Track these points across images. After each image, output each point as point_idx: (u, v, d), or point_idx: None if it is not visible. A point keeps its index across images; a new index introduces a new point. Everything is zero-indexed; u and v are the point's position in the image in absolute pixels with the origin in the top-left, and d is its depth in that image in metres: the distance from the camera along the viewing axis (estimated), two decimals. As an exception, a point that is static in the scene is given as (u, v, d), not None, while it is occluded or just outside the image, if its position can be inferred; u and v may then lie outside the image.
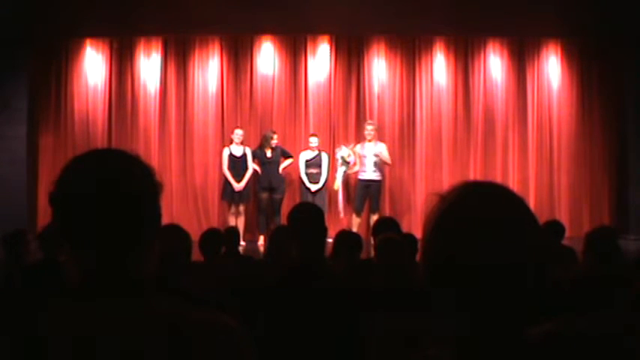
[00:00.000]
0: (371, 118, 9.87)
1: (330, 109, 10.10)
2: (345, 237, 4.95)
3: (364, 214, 9.21)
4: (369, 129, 9.19)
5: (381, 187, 9.37)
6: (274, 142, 9.16)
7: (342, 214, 9.20)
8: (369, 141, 9.14)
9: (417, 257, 3.76)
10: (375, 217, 8.76)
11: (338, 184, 9.13)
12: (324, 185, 9.18)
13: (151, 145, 9.77)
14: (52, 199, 1.19)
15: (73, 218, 1.16)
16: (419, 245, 1.14)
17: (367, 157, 9.08)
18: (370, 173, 9.10)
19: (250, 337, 1.16)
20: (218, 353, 1.11)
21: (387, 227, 4.29)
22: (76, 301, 1.14)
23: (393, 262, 3.45)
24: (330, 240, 5.05)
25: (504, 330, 1.02)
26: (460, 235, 1.04)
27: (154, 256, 1.19)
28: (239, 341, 1.14)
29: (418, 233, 4.23)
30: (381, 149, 9.16)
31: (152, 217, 1.19)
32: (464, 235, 1.04)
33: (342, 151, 9.03)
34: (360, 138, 9.57)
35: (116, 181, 1.15)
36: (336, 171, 9.19)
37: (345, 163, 9.02)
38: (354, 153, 9.08)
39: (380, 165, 9.18)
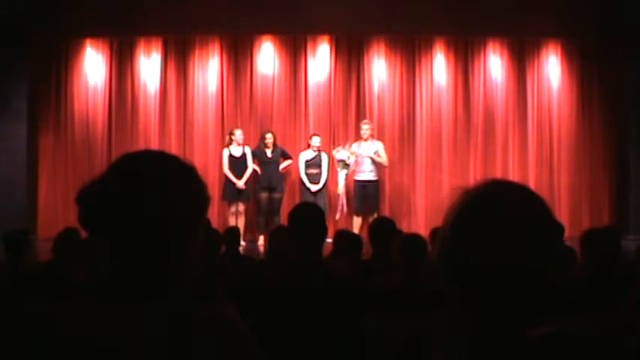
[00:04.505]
0: (371, 118, 9.87)
1: (330, 109, 10.10)
2: (345, 237, 4.95)
3: (364, 215, 9.21)
4: (364, 128, 9.21)
5: (379, 187, 9.38)
6: (269, 141, 9.16)
7: (338, 216, 9.18)
8: (365, 140, 9.15)
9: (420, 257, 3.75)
10: (373, 217, 8.76)
11: (341, 188, 9.12)
12: (324, 185, 9.17)
13: (151, 145, 9.75)
14: (84, 197, 1.18)
15: (100, 223, 1.16)
16: (437, 239, 1.12)
17: (364, 157, 9.08)
18: (367, 174, 9.11)
19: (253, 333, 1.16)
20: (224, 349, 1.11)
21: (384, 227, 4.28)
22: (80, 302, 1.14)
23: (416, 261, 3.45)
24: (329, 240, 5.05)
25: (515, 330, 1.02)
26: (478, 232, 1.03)
27: (186, 268, 1.19)
28: (245, 339, 1.14)
29: (418, 233, 4.22)
30: (378, 148, 9.18)
31: (183, 233, 1.18)
32: (481, 233, 1.03)
33: (342, 154, 9.00)
34: (359, 138, 9.58)
35: (148, 193, 1.15)
36: (336, 173, 9.18)
37: (346, 166, 9.01)
38: (353, 153, 9.05)
39: (377, 164, 9.19)
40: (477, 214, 1.05)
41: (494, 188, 1.09)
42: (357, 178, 9.13)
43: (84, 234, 1.23)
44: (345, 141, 9.47)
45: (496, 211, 1.04)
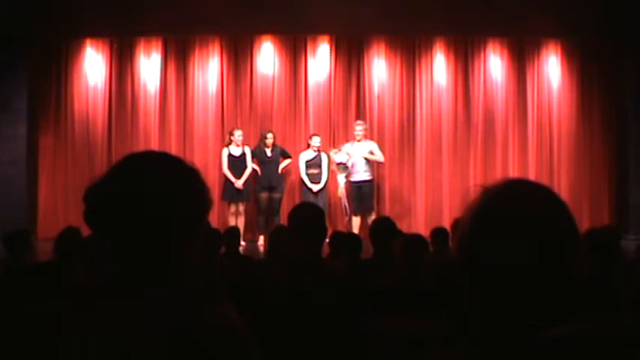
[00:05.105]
0: (371, 118, 9.89)
1: (330, 109, 10.10)
2: (344, 238, 4.95)
3: (361, 214, 9.21)
4: (358, 129, 9.21)
5: (373, 186, 9.38)
6: (269, 141, 9.17)
7: (347, 219, 9.18)
8: (359, 141, 9.15)
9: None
10: (371, 217, 8.77)
11: (342, 190, 9.12)
12: (325, 185, 9.18)
13: (151, 145, 9.75)
14: (88, 196, 1.19)
15: (102, 223, 1.17)
16: (455, 237, 1.10)
17: (357, 158, 9.08)
18: (361, 174, 9.11)
19: (252, 334, 1.16)
20: (224, 349, 1.11)
21: (384, 227, 4.28)
22: (81, 301, 1.14)
23: (417, 261, 3.44)
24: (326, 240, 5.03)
25: (529, 331, 1.01)
26: (496, 232, 1.02)
27: (187, 268, 1.19)
28: (243, 338, 1.14)
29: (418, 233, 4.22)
30: (372, 147, 9.17)
31: (185, 233, 1.19)
32: (500, 233, 1.02)
33: (341, 157, 8.99)
34: (353, 138, 9.54)
35: (151, 193, 1.16)
36: (335, 176, 9.16)
37: (346, 168, 9.01)
38: (349, 155, 9.04)
39: (371, 164, 9.19)
40: (496, 213, 1.04)
41: (514, 188, 1.09)
42: (352, 179, 9.13)
43: (86, 233, 1.25)
44: (346, 141, 9.46)
45: (515, 211, 1.04)
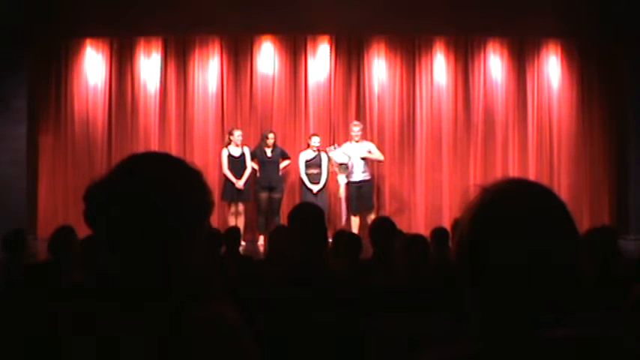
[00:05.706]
0: (371, 118, 9.89)
1: (330, 109, 10.10)
2: (344, 237, 4.95)
3: (360, 214, 9.21)
4: (355, 130, 9.20)
5: (372, 186, 9.39)
6: (270, 141, 9.17)
7: (344, 222, 9.18)
8: (356, 142, 9.16)
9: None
10: (371, 217, 8.77)
11: (342, 190, 9.12)
12: (325, 185, 9.18)
13: (151, 146, 9.75)
14: (88, 197, 1.19)
15: (103, 223, 1.17)
16: (454, 237, 1.10)
17: (355, 158, 9.09)
18: (359, 174, 9.12)
19: (251, 334, 1.16)
20: (223, 349, 1.11)
21: (384, 227, 4.28)
22: (80, 301, 1.14)
23: (419, 261, 3.44)
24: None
25: (529, 331, 1.01)
26: (496, 232, 1.02)
27: (187, 268, 1.19)
28: (241, 338, 1.14)
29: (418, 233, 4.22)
30: (370, 147, 9.18)
31: (186, 234, 1.19)
32: (500, 232, 1.02)
33: (340, 157, 8.99)
34: (349, 138, 9.54)
35: (152, 193, 1.16)
36: (335, 173, 9.16)
37: (346, 168, 9.01)
38: (348, 155, 9.04)
39: (369, 164, 9.19)
40: (496, 213, 1.04)
41: (513, 188, 1.09)
42: (351, 179, 9.14)
43: (84, 233, 1.25)
44: (345, 141, 9.45)
45: (515, 211, 1.04)
